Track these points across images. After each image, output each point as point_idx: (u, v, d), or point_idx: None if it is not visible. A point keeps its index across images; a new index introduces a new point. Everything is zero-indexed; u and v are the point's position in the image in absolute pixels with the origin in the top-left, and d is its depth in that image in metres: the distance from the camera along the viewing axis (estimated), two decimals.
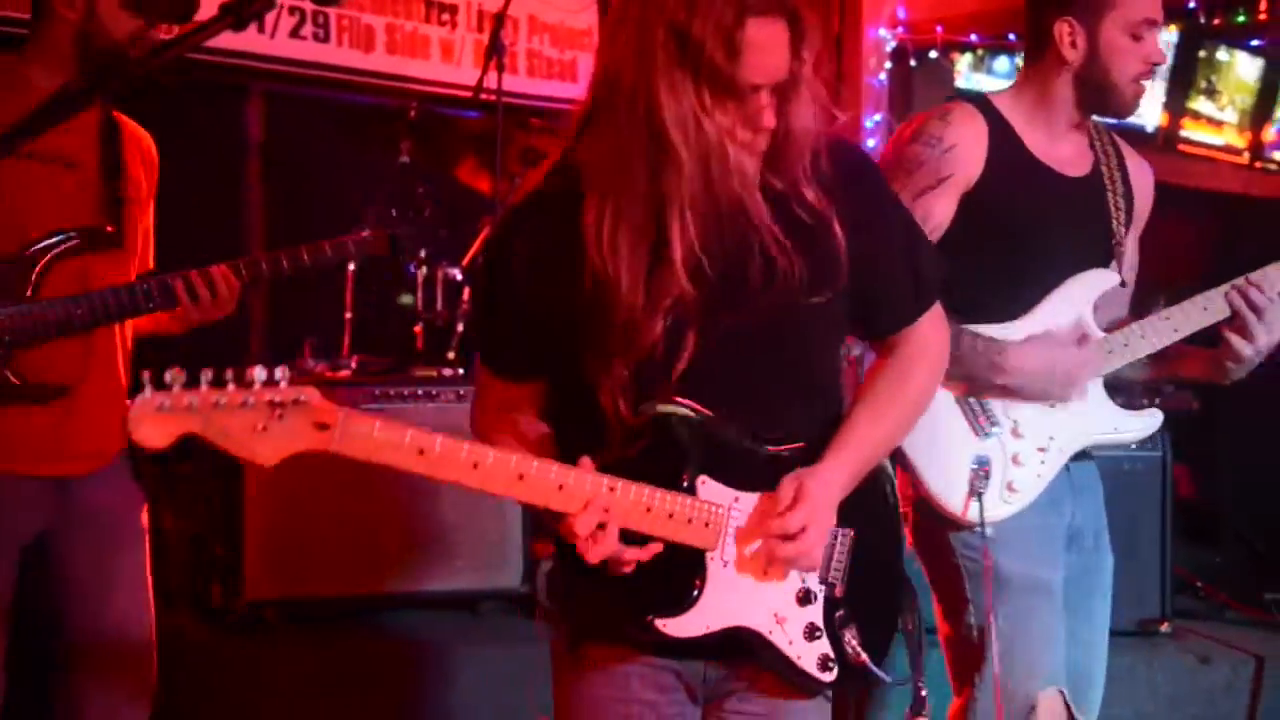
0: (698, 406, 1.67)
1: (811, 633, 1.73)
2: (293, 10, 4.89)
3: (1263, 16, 4.93)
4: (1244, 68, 6.99)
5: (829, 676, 1.74)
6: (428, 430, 1.53)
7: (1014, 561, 2.27)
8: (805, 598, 1.73)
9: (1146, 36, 2.29)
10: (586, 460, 1.62)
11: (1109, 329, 2.36)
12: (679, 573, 1.67)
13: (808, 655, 1.73)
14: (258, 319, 4.82)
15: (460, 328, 4.00)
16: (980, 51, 6.40)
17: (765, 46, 1.57)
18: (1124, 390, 2.43)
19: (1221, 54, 6.58)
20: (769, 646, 1.72)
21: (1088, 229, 2.38)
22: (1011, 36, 6.05)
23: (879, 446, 1.80)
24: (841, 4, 4.32)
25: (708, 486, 1.68)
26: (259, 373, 1.42)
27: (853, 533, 1.76)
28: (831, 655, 1.74)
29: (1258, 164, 8.18)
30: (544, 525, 1.71)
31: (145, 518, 2.55)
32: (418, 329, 4.04)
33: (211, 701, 3.13)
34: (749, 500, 1.70)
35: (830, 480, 1.70)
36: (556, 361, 1.74)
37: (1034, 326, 2.32)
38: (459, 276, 4.08)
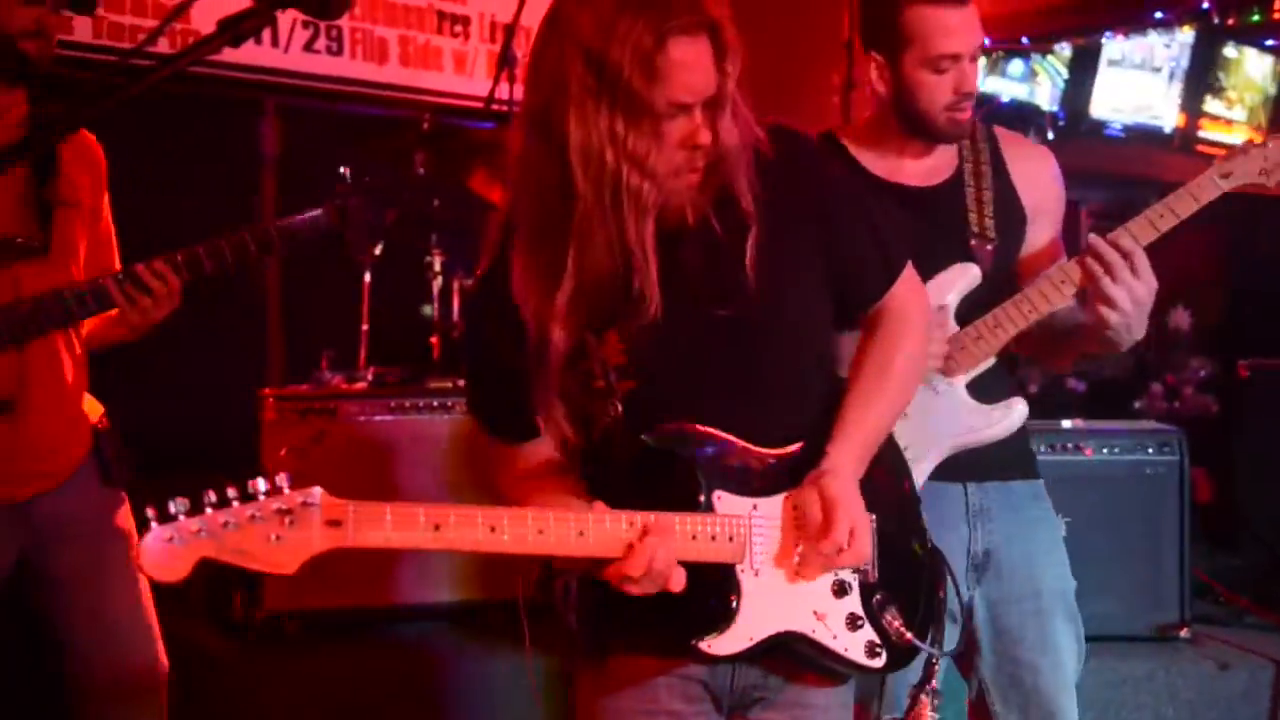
0: (695, 426, 1.68)
1: (854, 622, 1.73)
2: (306, 24, 4.92)
3: (1277, 15, 4.90)
4: (1253, 65, 6.98)
5: (879, 662, 1.73)
6: (440, 506, 1.53)
7: None
8: (841, 589, 1.73)
9: (950, 69, 2.25)
10: (599, 504, 1.62)
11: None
12: (712, 592, 1.66)
13: (854, 646, 1.73)
14: (275, 333, 4.85)
15: None
16: (995, 55, 6.40)
17: (689, 65, 1.57)
18: (996, 384, 2.32)
19: (1229, 51, 6.56)
20: (814, 645, 1.71)
21: (939, 230, 2.31)
22: (1024, 40, 6.05)
23: (878, 427, 1.80)
24: (852, 11, 4.32)
25: (724, 501, 1.67)
26: (261, 484, 1.43)
27: (874, 516, 1.75)
28: (878, 641, 1.73)
29: None
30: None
31: (125, 518, 2.49)
32: (434, 339, 4.07)
33: (233, 711, 3.16)
34: (766, 506, 1.70)
35: (843, 475, 1.70)
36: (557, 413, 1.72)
37: None
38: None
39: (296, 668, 3.27)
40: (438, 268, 4.10)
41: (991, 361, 2.29)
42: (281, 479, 1.44)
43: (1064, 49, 6.38)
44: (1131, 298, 2.11)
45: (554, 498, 1.69)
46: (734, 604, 1.66)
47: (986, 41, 5.98)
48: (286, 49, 4.88)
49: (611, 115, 1.55)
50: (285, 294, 4.91)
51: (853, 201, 1.86)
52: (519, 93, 4.08)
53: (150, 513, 1.38)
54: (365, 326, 4.04)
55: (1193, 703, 3.39)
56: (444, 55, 5.37)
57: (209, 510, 1.40)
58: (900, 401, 1.85)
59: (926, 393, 2.20)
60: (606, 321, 1.68)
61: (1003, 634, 2.31)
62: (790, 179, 1.74)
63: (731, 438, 1.70)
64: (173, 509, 1.38)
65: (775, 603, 1.69)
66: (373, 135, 4.98)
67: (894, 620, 1.74)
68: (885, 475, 1.84)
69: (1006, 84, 7.04)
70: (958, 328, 2.27)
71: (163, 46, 4.14)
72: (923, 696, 1.86)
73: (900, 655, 1.76)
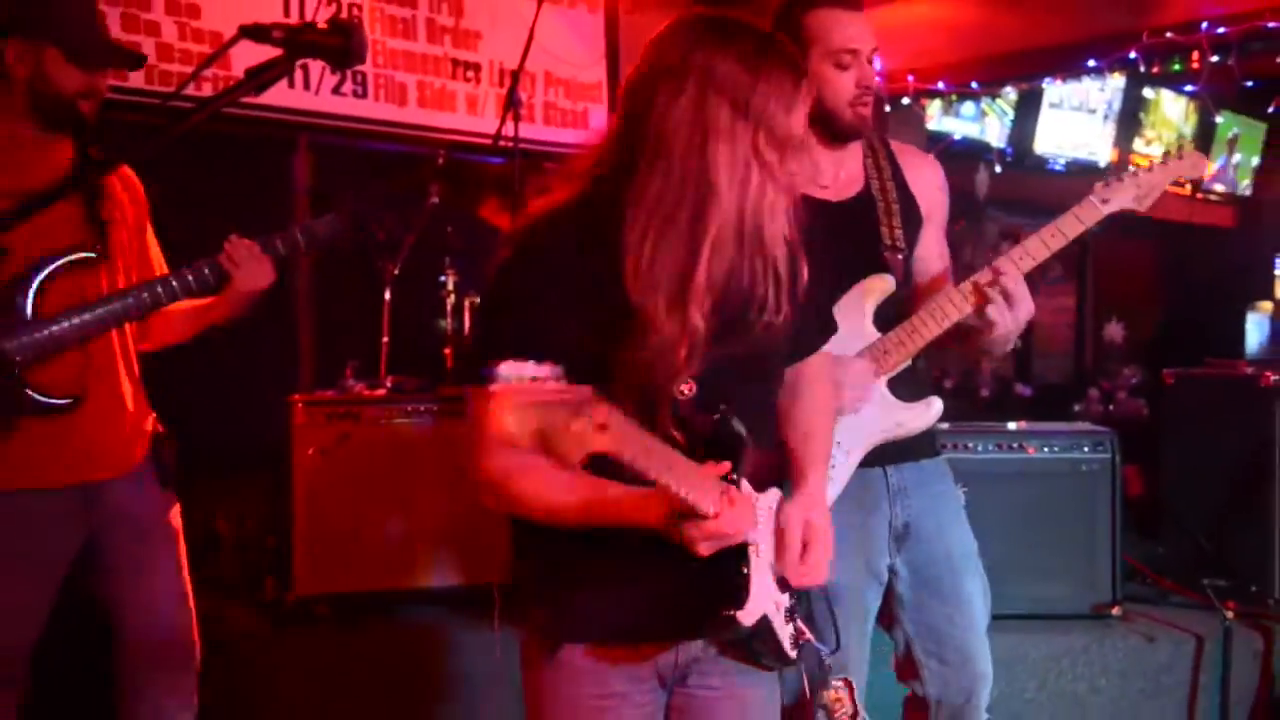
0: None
1: (789, 615, 1.74)
2: (334, 70, 4.95)
3: (1196, 65, 4.94)
4: (1169, 107, 7.03)
5: (795, 653, 1.74)
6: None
7: None
8: (783, 585, 1.74)
9: (852, 64, 2.24)
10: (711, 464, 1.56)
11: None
12: (730, 564, 1.62)
13: (786, 636, 1.73)
14: (305, 346, 4.87)
15: None
16: (951, 97, 6.44)
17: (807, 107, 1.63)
18: (915, 383, 2.36)
19: (1148, 92, 6.60)
20: (771, 630, 1.68)
21: (857, 243, 2.31)
22: (974, 84, 6.08)
23: (829, 458, 1.87)
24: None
25: (744, 487, 1.64)
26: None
27: None
28: (794, 635, 1.74)
29: (1199, 195, 8.22)
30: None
31: (176, 518, 2.53)
32: (447, 351, 4.08)
33: (265, 688, 3.16)
34: (763, 500, 1.72)
35: (823, 505, 1.75)
36: (592, 365, 1.52)
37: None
38: None
39: (325, 648, 3.27)
40: (451, 287, 4.10)
41: (908, 363, 2.32)
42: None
43: (1010, 93, 6.43)
44: (1004, 325, 2.20)
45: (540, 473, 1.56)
46: (747, 578, 1.63)
47: (941, 85, 6.09)
48: (317, 91, 4.91)
49: (754, 142, 1.57)
50: (314, 310, 4.93)
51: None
52: (525, 131, 4.16)
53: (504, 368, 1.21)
54: (385, 339, 4.05)
55: (1123, 672, 3.42)
56: (458, 98, 5.38)
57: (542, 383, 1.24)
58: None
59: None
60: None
61: (921, 590, 2.37)
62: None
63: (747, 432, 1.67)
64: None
65: (764, 585, 1.69)
66: (394, 169, 5.03)
67: (800, 619, 1.76)
68: None
69: (959, 123, 7.08)
70: (878, 334, 2.30)
71: (205, 90, 4.18)
72: (837, 684, 1.86)
73: (805, 651, 1.77)
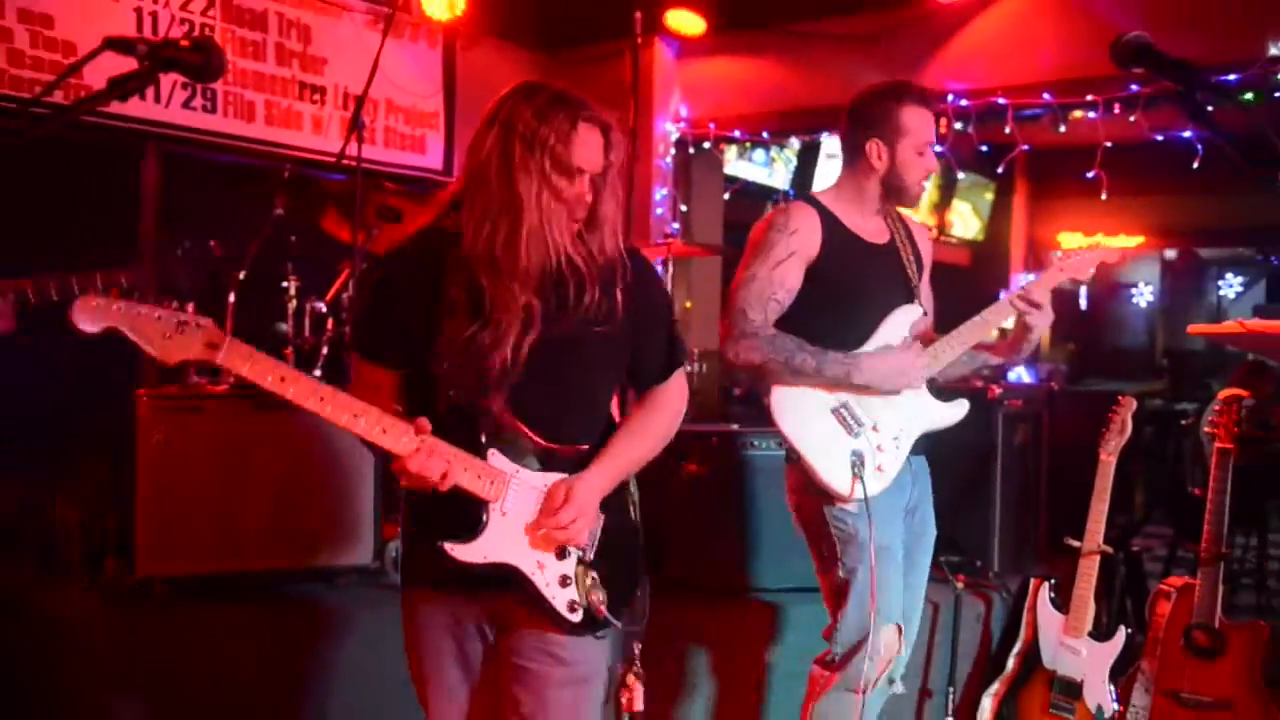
0: (493, 404, 1.82)
1: (564, 581, 1.86)
2: (185, 85, 4.72)
3: (942, 130, 5.31)
4: None
5: (576, 617, 1.86)
6: (293, 370, 1.70)
7: (873, 531, 2.46)
8: (562, 554, 1.87)
9: (927, 153, 2.60)
10: (424, 420, 1.76)
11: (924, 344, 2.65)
12: (468, 516, 1.82)
13: (560, 597, 1.85)
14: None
15: (325, 351, 3.92)
16: (745, 145, 6.66)
17: (588, 143, 1.83)
18: (944, 388, 2.71)
19: None
20: (529, 584, 1.84)
21: (893, 280, 2.65)
22: (765, 134, 6.32)
23: (633, 463, 1.98)
24: (636, 103, 4.47)
25: (496, 458, 1.82)
26: (174, 306, 1.63)
27: (604, 517, 1.90)
28: (578, 600, 1.86)
29: (942, 237, 8.81)
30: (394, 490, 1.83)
31: None
32: (288, 351, 3.95)
33: (104, 664, 2.98)
34: (529, 476, 1.85)
35: (594, 484, 1.88)
36: (411, 357, 1.88)
37: (876, 344, 2.58)
38: (324, 309, 4.00)
39: (161, 625, 3.10)
40: (293, 292, 3.98)
41: (951, 360, 2.64)
42: (189, 309, 1.63)
43: (794, 143, 6.71)
44: (1038, 328, 2.64)
45: (383, 405, 1.80)
46: (480, 528, 1.81)
47: (737, 134, 6.30)
48: (167, 104, 4.67)
49: (542, 169, 1.80)
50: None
51: (666, 314, 2.07)
52: (367, 151, 4.08)
53: (98, 280, 1.54)
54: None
55: None
56: (304, 118, 5.23)
57: (135, 300, 1.60)
58: (649, 453, 2.03)
59: (910, 394, 2.58)
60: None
61: (908, 561, 2.65)
62: (637, 278, 1.95)
63: (518, 422, 1.84)
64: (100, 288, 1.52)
65: (511, 541, 1.83)
66: (241, 181, 4.83)
67: (595, 595, 1.86)
68: (623, 498, 2.00)
69: (752, 168, 7.34)
70: (921, 347, 2.61)
71: (59, 98, 3.92)
72: (631, 674, 1.95)
73: (595, 622, 1.87)
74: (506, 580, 1.84)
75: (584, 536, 1.85)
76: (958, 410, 2.66)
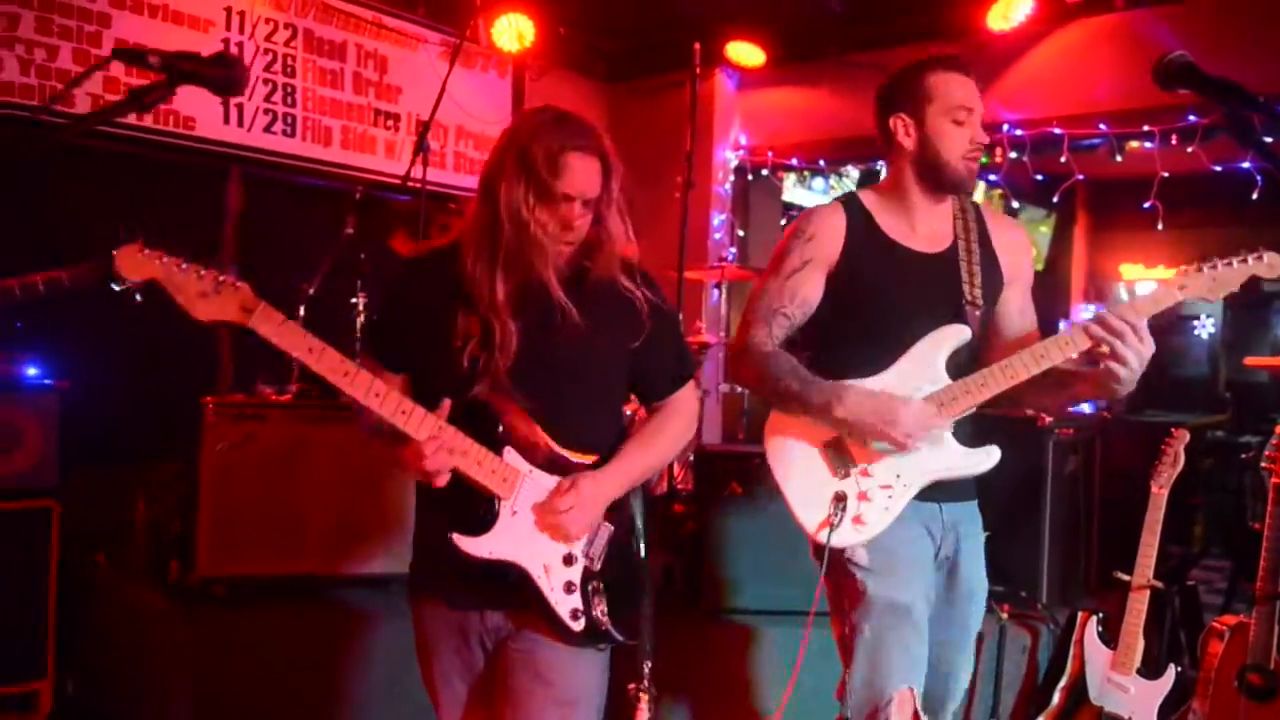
0: (515, 407, 1.81)
1: (569, 588, 1.81)
2: (266, 111, 4.83)
3: (998, 160, 5.17)
4: (976, 193, 7.31)
5: (578, 626, 1.81)
6: (321, 342, 1.70)
7: (879, 586, 2.13)
8: (569, 560, 1.82)
9: (966, 121, 2.16)
10: (447, 403, 1.76)
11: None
12: (479, 510, 1.80)
13: (563, 604, 1.81)
14: (225, 353, 4.69)
15: None
16: (804, 173, 6.59)
17: (577, 171, 1.80)
18: (983, 430, 2.19)
19: None
20: (534, 587, 1.80)
21: (936, 294, 2.18)
22: (821, 162, 6.24)
23: (644, 471, 1.95)
24: (693, 130, 4.42)
25: (510, 455, 1.81)
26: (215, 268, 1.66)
27: (612, 528, 1.86)
28: (581, 609, 1.81)
29: None
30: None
31: None
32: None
33: (168, 660, 3.02)
34: (541, 477, 1.82)
35: (602, 483, 1.85)
36: (416, 363, 1.91)
37: (888, 379, 2.13)
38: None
39: (219, 625, 3.13)
40: (361, 307, 4.01)
41: (972, 409, 2.12)
42: (230, 274, 1.66)
43: (851, 170, 6.61)
44: (1139, 359, 2.02)
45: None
46: (489, 523, 1.78)
47: (795, 161, 6.23)
48: (250, 129, 4.77)
49: (525, 189, 1.78)
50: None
51: (674, 329, 2.07)
52: (438, 175, 4.12)
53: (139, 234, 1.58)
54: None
55: None
56: (378, 143, 5.31)
57: (178, 257, 1.63)
58: (659, 462, 2.01)
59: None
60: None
61: (942, 610, 2.23)
62: (647, 294, 1.94)
63: (537, 427, 1.83)
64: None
65: (520, 541, 1.80)
66: (317, 201, 4.92)
67: (600, 605, 1.82)
68: (629, 510, 1.95)
69: (809, 195, 7.26)
70: (948, 379, 2.12)
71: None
72: (641, 692, 1.88)
73: (598, 633, 1.82)
74: (511, 586, 1.80)
75: (578, 528, 1.81)
76: (984, 460, 2.12)
